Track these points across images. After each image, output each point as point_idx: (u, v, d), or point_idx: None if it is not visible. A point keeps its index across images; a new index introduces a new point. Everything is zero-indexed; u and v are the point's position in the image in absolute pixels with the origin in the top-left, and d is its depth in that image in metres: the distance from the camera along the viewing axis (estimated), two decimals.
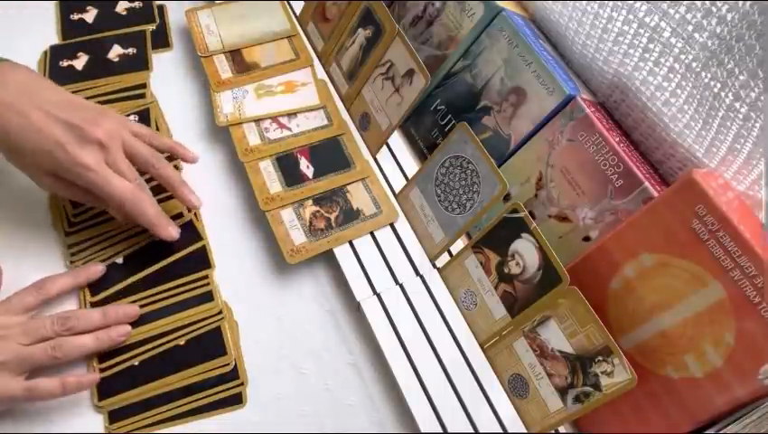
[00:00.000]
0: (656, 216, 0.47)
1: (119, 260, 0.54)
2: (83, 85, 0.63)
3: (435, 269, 0.58)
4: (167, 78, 0.67)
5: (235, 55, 0.66)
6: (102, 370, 0.49)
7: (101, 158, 0.48)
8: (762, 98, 0.43)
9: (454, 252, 0.58)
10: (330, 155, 0.62)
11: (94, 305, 0.51)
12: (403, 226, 0.59)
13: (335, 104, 0.66)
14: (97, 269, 0.52)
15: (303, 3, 0.72)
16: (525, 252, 0.50)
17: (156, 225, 0.51)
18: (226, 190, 0.62)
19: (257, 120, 0.62)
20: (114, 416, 0.48)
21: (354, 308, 0.56)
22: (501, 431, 0.50)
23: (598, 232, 0.53)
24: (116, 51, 0.67)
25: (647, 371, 0.48)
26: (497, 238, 0.52)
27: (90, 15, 0.69)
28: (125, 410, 0.48)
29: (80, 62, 0.65)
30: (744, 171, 0.47)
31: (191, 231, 0.56)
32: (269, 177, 0.59)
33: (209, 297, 0.53)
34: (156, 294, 0.53)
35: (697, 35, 0.47)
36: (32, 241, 0.54)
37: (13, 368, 0.44)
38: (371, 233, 0.58)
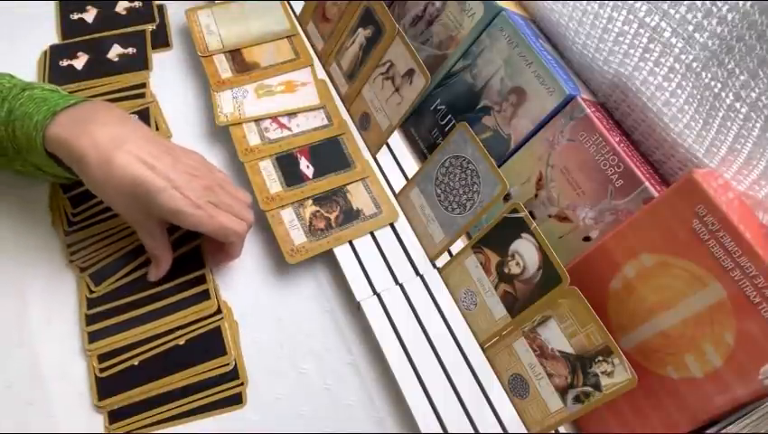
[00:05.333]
0: (656, 216, 0.47)
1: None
2: (83, 85, 0.63)
3: (435, 269, 0.58)
4: (167, 78, 0.67)
5: (235, 55, 0.66)
6: (102, 370, 0.49)
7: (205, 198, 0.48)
8: (762, 98, 0.43)
9: (454, 252, 0.58)
10: (330, 154, 0.62)
11: (91, 302, 0.51)
12: (403, 226, 0.59)
13: (335, 104, 0.66)
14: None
15: (303, 3, 0.72)
16: (525, 252, 0.50)
17: (231, 259, 0.55)
18: None
19: (257, 120, 0.62)
20: (114, 416, 0.48)
21: (354, 308, 0.56)
22: (501, 431, 0.50)
23: (598, 232, 0.53)
24: (115, 51, 0.67)
25: (647, 371, 0.48)
26: (497, 238, 0.52)
27: (90, 15, 0.69)
28: (125, 410, 0.48)
29: (80, 62, 0.65)
30: (744, 171, 0.47)
31: (189, 230, 0.56)
32: (269, 177, 0.59)
33: (207, 296, 0.53)
34: (156, 293, 0.53)
35: (697, 35, 0.47)
36: (32, 241, 0.54)
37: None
38: (371, 233, 0.58)
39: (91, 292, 0.52)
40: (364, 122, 0.64)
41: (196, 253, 0.55)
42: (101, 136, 0.45)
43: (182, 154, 0.49)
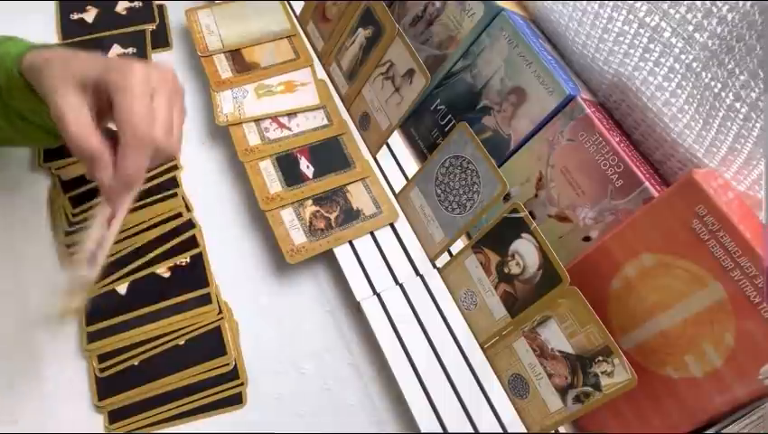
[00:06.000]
0: (656, 216, 0.47)
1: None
2: None
3: (435, 269, 0.58)
4: None
5: (235, 55, 0.66)
6: (102, 370, 0.49)
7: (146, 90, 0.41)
8: (762, 98, 0.43)
9: (454, 252, 0.58)
10: (330, 155, 0.62)
11: (87, 303, 0.51)
12: (403, 226, 0.59)
13: (335, 104, 0.66)
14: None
15: (303, 3, 0.72)
16: (525, 252, 0.50)
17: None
18: (226, 190, 0.61)
19: (257, 120, 0.62)
20: (114, 416, 0.48)
21: (354, 308, 0.56)
22: (501, 431, 0.50)
23: (598, 232, 0.53)
24: (115, 51, 0.67)
25: (647, 371, 0.48)
26: (497, 238, 0.52)
27: (90, 15, 0.69)
28: (125, 410, 0.48)
29: None
30: (744, 171, 0.47)
31: (187, 227, 0.56)
32: (269, 177, 0.59)
33: (209, 300, 0.53)
34: (158, 296, 0.53)
35: (697, 35, 0.47)
36: (32, 241, 0.54)
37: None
38: (371, 233, 0.58)
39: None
40: (364, 122, 0.64)
41: (199, 255, 0.55)
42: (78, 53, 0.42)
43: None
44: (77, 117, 0.40)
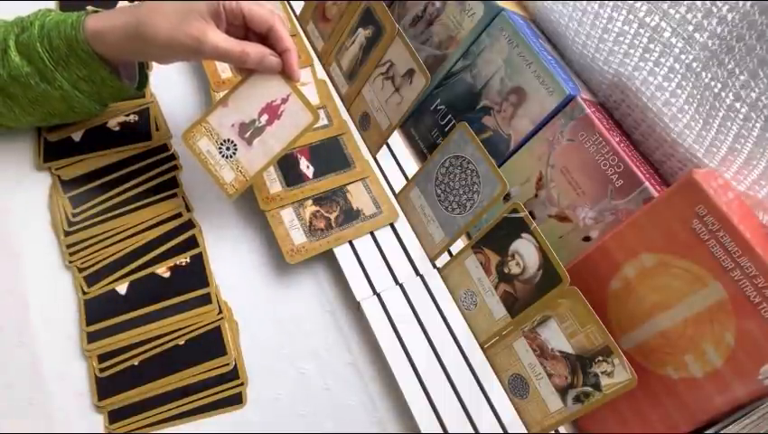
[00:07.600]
0: (656, 216, 0.47)
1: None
2: None
3: (435, 269, 0.58)
4: (167, 77, 0.67)
5: None
6: (102, 370, 0.49)
7: None
8: (762, 98, 0.43)
9: (454, 252, 0.58)
10: (330, 154, 0.62)
11: (87, 303, 0.51)
12: (403, 226, 0.59)
13: (335, 104, 0.66)
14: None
15: (303, 2, 0.72)
16: (525, 252, 0.50)
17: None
18: None
19: None
20: (114, 416, 0.48)
21: (354, 308, 0.56)
22: (501, 431, 0.50)
23: (598, 232, 0.53)
24: None
25: (647, 371, 0.48)
26: (497, 238, 0.52)
27: None
28: (125, 410, 0.48)
29: None
30: (744, 171, 0.47)
31: (187, 227, 0.56)
32: (269, 177, 0.59)
33: (208, 300, 0.53)
34: (157, 295, 0.53)
35: (697, 35, 0.47)
36: (32, 241, 0.54)
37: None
38: (371, 233, 0.58)
39: (84, 293, 0.52)
40: (364, 122, 0.64)
41: (199, 255, 0.55)
42: (141, 7, 0.47)
43: None
44: (222, 40, 0.47)
